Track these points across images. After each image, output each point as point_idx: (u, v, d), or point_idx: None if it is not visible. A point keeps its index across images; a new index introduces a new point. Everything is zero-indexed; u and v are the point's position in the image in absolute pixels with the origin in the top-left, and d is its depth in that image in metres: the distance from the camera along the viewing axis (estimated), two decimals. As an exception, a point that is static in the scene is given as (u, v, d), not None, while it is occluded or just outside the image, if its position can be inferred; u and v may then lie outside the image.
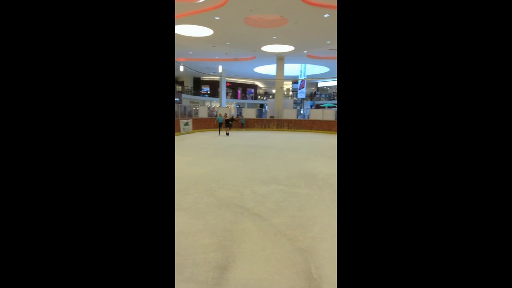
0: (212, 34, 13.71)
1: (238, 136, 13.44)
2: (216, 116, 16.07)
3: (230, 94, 31.46)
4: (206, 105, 25.74)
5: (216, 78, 26.84)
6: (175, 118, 13.85)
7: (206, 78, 29.30)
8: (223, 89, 25.61)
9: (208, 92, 30.72)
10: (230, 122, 13.70)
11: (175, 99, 21.20)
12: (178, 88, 27.30)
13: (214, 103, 28.57)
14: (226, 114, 14.55)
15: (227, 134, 13.01)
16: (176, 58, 19.27)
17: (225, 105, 25.35)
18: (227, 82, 27.61)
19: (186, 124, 14.56)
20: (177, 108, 15.03)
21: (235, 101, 31.92)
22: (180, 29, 13.09)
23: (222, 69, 21.68)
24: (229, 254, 2.17)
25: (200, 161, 6.54)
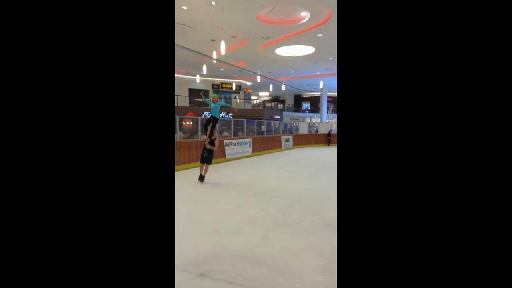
0: (314, 52, 13.88)
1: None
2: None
3: (331, 108, 30.69)
4: (306, 121, 25.92)
5: (317, 93, 26.79)
6: (276, 135, 14.47)
7: (307, 94, 29.64)
8: (323, 104, 25.28)
9: (308, 108, 30.91)
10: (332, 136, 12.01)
11: (277, 117, 22.24)
12: (280, 106, 28.58)
13: (315, 119, 28.46)
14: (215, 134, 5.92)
15: (201, 178, 5.57)
16: (278, 78, 20.34)
17: (325, 120, 24.89)
18: (328, 97, 27.16)
19: (287, 140, 14.99)
20: (278, 125, 15.72)
21: (336, 115, 30.91)
22: (283, 51, 13.81)
23: (323, 84, 21.52)
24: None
25: (302, 178, 6.55)
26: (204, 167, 5.66)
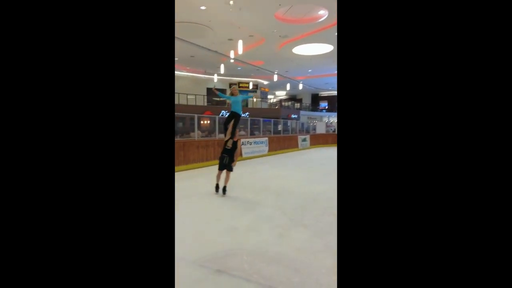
0: (332, 50, 13.68)
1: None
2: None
3: (349, 108, 30.10)
4: (323, 121, 25.60)
5: (335, 92, 26.39)
6: (293, 135, 14.39)
7: (324, 93, 29.24)
8: (341, 104, 24.85)
9: (326, 107, 30.50)
10: None
11: (294, 116, 22.10)
12: (297, 105, 28.38)
13: (332, 118, 28.03)
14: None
15: (223, 189, 4.50)
16: (295, 77, 20.19)
17: (343, 120, 24.45)
18: (346, 96, 26.66)
19: (304, 140, 14.88)
20: (295, 124, 15.62)
21: (355, 115, 30.21)
22: (301, 50, 13.70)
23: (341, 83, 21.15)
24: (354, 281, 2.03)
25: (318, 178, 6.50)
26: (224, 175, 4.55)
